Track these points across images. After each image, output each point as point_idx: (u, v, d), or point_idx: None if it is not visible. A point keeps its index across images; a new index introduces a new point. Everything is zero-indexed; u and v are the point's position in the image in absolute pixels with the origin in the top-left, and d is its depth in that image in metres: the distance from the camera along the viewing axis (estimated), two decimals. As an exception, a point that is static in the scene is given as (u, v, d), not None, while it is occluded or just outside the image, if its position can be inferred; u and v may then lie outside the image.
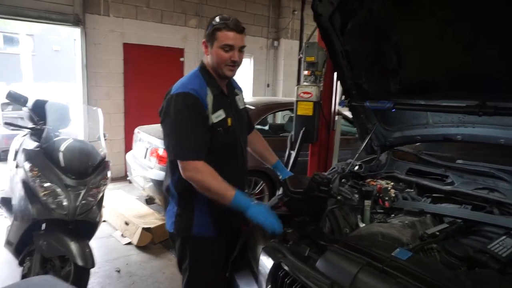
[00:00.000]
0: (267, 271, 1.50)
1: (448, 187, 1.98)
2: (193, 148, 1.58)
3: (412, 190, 2.14)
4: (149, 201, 4.11)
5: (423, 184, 2.10)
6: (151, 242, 3.68)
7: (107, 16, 5.66)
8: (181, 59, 6.43)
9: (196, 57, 6.61)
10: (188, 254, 1.74)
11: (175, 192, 1.74)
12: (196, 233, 1.70)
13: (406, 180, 2.20)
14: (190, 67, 6.55)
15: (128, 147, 5.83)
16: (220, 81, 1.73)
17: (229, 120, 1.72)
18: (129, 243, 3.69)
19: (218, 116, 1.67)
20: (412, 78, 1.88)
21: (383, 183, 2.16)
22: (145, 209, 4.22)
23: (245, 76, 7.53)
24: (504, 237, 1.47)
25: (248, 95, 6.78)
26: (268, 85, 7.96)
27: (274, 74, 8.07)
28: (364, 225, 1.97)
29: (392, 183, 2.16)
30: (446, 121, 2.05)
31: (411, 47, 1.75)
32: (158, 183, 3.89)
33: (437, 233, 1.59)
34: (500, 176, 1.85)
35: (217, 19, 1.62)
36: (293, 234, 1.65)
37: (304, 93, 3.15)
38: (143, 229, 3.65)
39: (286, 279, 1.41)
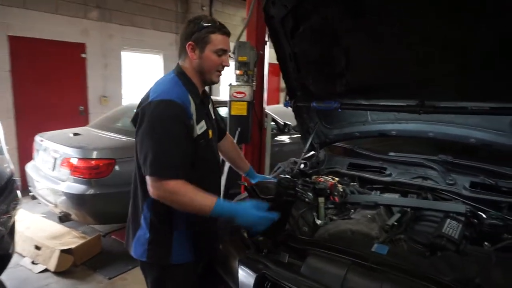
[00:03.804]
0: (250, 284, 1.45)
1: (388, 178, 2.19)
2: (173, 165, 1.39)
3: (355, 183, 2.30)
4: (63, 218, 3.58)
5: (365, 177, 2.28)
6: (72, 265, 3.23)
7: (-16, 2, 4.75)
8: (83, 55, 5.75)
9: (100, 52, 5.99)
10: (167, 285, 1.55)
11: (150, 213, 1.52)
12: (175, 261, 1.52)
13: (348, 175, 2.36)
14: (93, 63, 5.91)
15: (23, 157, 5.01)
16: (200, 89, 1.59)
17: (210, 132, 1.59)
18: (45, 270, 3.18)
19: (201, 127, 1.52)
20: (358, 80, 2.00)
21: (328, 178, 2.27)
22: (59, 227, 3.68)
23: (154, 74, 7.10)
24: (448, 220, 1.68)
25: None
26: (179, 83, 7.68)
27: (185, 71, 7.81)
28: (320, 221, 2.04)
29: (337, 178, 2.29)
30: (383, 119, 2.25)
31: (361, 52, 1.86)
32: (73, 197, 3.43)
33: (395, 223, 1.74)
34: (429, 165, 2.11)
35: (205, 21, 1.48)
36: (265, 241, 1.62)
37: (238, 92, 3.12)
38: (61, 251, 3.18)
39: (274, 291, 1.37)
